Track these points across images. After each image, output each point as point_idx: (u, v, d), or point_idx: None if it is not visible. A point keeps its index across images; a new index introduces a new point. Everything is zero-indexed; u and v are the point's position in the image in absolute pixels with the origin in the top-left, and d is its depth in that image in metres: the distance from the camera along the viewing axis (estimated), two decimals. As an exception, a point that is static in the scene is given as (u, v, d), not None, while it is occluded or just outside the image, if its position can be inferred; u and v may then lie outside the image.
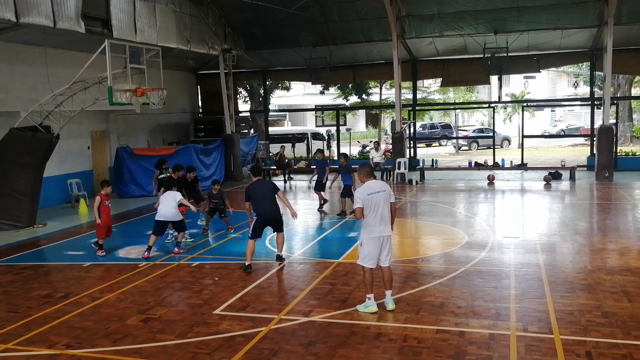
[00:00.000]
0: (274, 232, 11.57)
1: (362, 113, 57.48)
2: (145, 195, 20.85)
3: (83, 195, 18.97)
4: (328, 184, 17.15)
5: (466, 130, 48.18)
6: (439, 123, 49.52)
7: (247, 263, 10.73)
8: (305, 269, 10.96)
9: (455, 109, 46.97)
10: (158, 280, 10.36)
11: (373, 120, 57.88)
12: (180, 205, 12.31)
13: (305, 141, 33.19)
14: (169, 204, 12.17)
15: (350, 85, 36.49)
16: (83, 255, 12.59)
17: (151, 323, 8.18)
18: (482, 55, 24.46)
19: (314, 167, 17.75)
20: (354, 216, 8.76)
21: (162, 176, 14.61)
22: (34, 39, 16.75)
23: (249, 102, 37.12)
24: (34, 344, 7.55)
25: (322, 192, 17.14)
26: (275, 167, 26.90)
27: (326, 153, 31.46)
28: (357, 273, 10.40)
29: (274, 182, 12.02)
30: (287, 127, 50.15)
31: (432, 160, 25.87)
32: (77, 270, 11.32)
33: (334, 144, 30.97)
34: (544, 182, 22.12)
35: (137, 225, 16.00)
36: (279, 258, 11.33)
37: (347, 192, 15.60)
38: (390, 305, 8.40)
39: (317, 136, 35.94)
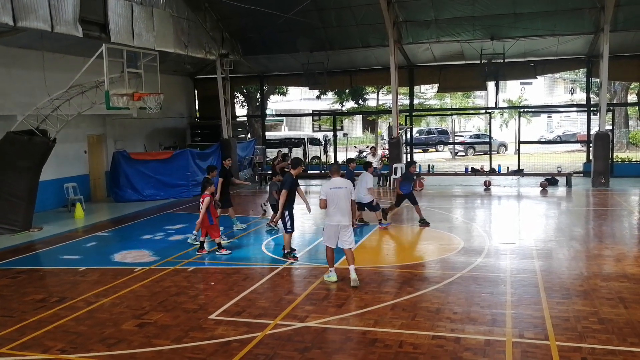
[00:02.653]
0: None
1: (359, 118, 57.58)
2: (142, 200, 20.88)
3: (79, 199, 18.94)
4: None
5: (463, 136, 48.19)
6: (436, 129, 49.52)
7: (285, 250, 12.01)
8: (302, 274, 10.94)
9: (451, 114, 47.00)
10: (154, 285, 10.33)
11: (370, 126, 57.97)
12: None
13: (302, 146, 33.19)
14: (360, 187, 14.30)
15: (347, 91, 36.53)
16: (79, 259, 12.56)
17: (146, 328, 8.16)
18: (478, 61, 24.53)
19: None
20: (319, 206, 10.22)
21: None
22: (31, 43, 16.75)
23: (246, 107, 37.14)
24: (29, 348, 7.53)
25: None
26: (271, 172, 26.85)
27: (322, 158, 31.61)
28: (353, 278, 10.41)
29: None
30: (284, 132, 50.15)
31: (429, 165, 25.91)
32: (73, 274, 11.30)
33: (330, 149, 30.97)
34: (540, 188, 22.14)
35: (134, 230, 15.98)
36: (284, 254, 11.98)
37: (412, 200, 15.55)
38: (353, 276, 9.85)
39: (314, 141, 35.96)
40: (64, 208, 19.29)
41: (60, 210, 19.23)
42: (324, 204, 9.96)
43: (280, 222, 12.49)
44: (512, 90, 54.70)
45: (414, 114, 31.32)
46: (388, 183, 24.17)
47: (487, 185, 22.94)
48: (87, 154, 21.61)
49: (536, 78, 29.98)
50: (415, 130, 39.40)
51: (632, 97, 38.88)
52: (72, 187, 19.52)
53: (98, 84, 15.64)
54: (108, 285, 10.34)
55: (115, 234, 15.57)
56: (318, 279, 10.38)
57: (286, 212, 11.64)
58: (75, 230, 16.21)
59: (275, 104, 50.06)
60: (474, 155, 41.93)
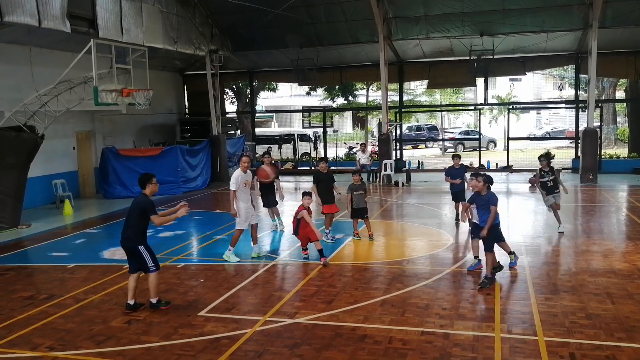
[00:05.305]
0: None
1: (349, 114, 57.61)
2: (131, 196, 20.67)
3: (68, 196, 18.84)
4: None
5: (452, 132, 48.34)
6: (425, 125, 49.63)
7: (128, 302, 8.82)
8: (291, 271, 10.94)
9: (441, 111, 47.19)
10: (143, 282, 10.26)
11: (360, 122, 58.01)
12: None
13: (292, 142, 33.18)
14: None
15: (337, 87, 36.54)
16: (67, 256, 12.50)
17: (135, 325, 8.14)
18: (468, 58, 24.59)
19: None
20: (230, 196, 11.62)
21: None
22: (18, 38, 16.62)
23: (236, 103, 37.07)
24: (17, 346, 7.48)
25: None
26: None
27: (312, 154, 31.51)
28: (343, 274, 10.43)
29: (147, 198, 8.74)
30: (273, 128, 50.13)
31: (418, 162, 25.98)
32: (61, 271, 11.24)
33: (320, 146, 31.00)
34: (529, 184, 22.23)
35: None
36: (151, 305, 8.82)
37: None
38: (256, 250, 11.85)
39: (304, 137, 35.96)
40: (52, 205, 19.19)
41: (49, 206, 19.13)
42: (234, 194, 11.46)
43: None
44: (501, 86, 54.86)
45: (403, 110, 31.38)
46: (378, 179, 24.19)
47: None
48: (76, 151, 21.51)
49: (525, 74, 30.18)
50: (405, 126, 39.50)
51: (620, 94, 39.10)
52: (60, 184, 19.41)
53: (86, 80, 15.57)
54: (97, 282, 10.29)
55: (104, 231, 15.49)
56: (308, 275, 10.39)
57: (142, 248, 8.67)
58: (63, 227, 16.12)
59: (265, 100, 49.99)
60: (463, 151, 41.99)
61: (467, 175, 13.43)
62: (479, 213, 9.86)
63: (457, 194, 14.76)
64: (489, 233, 9.57)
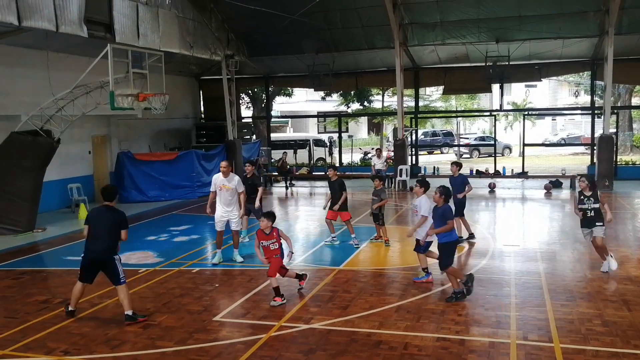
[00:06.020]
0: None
1: (364, 120, 57.54)
2: (146, 201, 20.86)
3: (83, 200, 18.93)
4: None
5: (468, 138, 48.13)
6: (441, 131, 49.49)
7: (70, 308, 8.78)
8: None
9: (457, 116, 46.98)
10: (158, 286, 10.32)
11: (375, 128, 57.95)
12: None
13: (307, 148, 33.21)
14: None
15: (352, 92, 36.51)
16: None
17: (150, 329, 8.14)
18: (483, 64, 24.48)
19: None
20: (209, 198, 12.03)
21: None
22: (36, 42, 16.76)
23: (252, 108, 37.12)
24: (31, 350, 7.51)
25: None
26: (277, 174, 26.94)
27: (327, 159, 31.51)
28: (358, 280, 10.41)
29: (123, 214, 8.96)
30: (289, 134, 50.14)
31: (434, 167, 25.86)
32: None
33: (335, 151, 31.00)
34: (545, 191, 22.09)
35: (137, 231, 15.91)
36: (128, 318, 8.43)
37: None
38: (238, 259, 11.87)
39: (319, 143, 35.95)
40: (68, 209, 19.29)
41: (64, 210, 19.24)
42: (213, 195, 11.84)
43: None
44: (517, 92, 54.62)
45: (419, 115, 31.29)
46: (393, 185, 24.13)
47: (492, 187, 22.89)
48: (92, 155, 21.64)
49: (541, 80, 29.99)
50: (420, 132, 39.40)
51: (636, 100, 38.83)
52: (76, 188, 19.53)
53: (103, 84, 15.67)
54: (111, 287, 10.24)
55: (120, 235, 15.52)
56: (323, 280, 10.37)
57: (117, 258, 8.67)
58: (79, 231, 16.11)
59: (280, 105, 50.04)
60: (478, 157, 41.85)
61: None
62: (436, 225, 9.50)
63: (455, 207, 12.63)
64: (424, 240, 9.85)
